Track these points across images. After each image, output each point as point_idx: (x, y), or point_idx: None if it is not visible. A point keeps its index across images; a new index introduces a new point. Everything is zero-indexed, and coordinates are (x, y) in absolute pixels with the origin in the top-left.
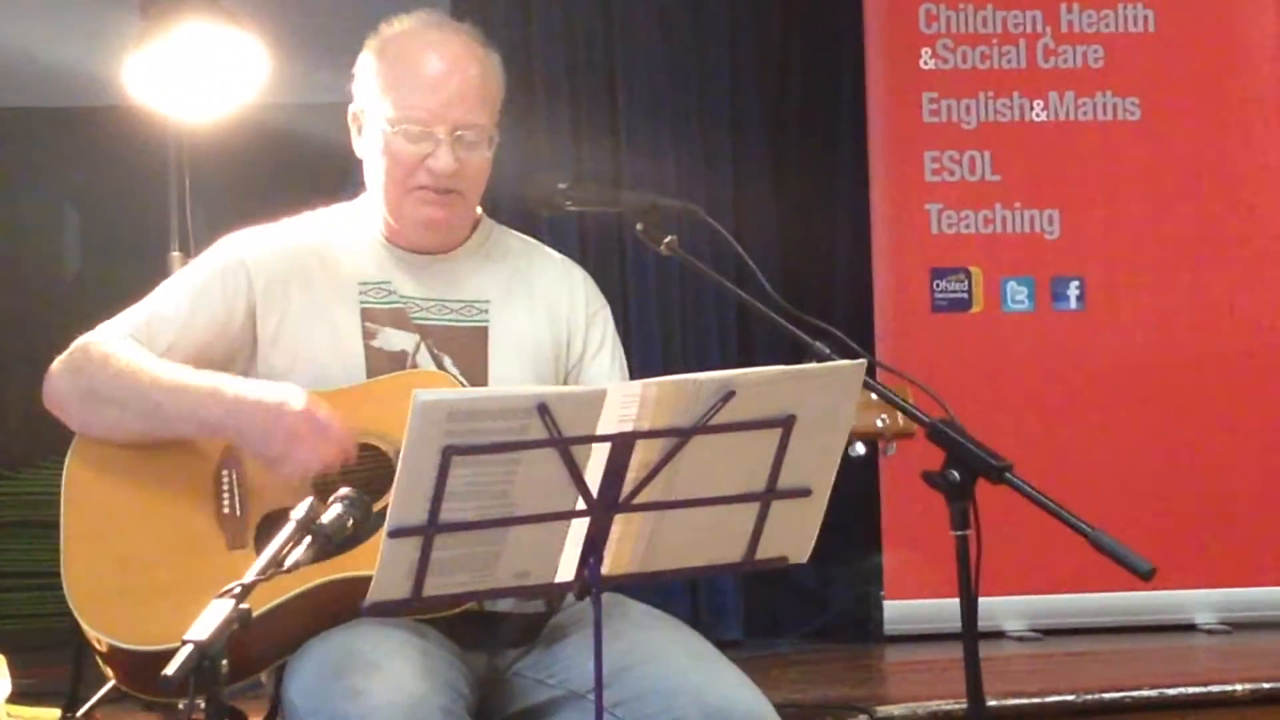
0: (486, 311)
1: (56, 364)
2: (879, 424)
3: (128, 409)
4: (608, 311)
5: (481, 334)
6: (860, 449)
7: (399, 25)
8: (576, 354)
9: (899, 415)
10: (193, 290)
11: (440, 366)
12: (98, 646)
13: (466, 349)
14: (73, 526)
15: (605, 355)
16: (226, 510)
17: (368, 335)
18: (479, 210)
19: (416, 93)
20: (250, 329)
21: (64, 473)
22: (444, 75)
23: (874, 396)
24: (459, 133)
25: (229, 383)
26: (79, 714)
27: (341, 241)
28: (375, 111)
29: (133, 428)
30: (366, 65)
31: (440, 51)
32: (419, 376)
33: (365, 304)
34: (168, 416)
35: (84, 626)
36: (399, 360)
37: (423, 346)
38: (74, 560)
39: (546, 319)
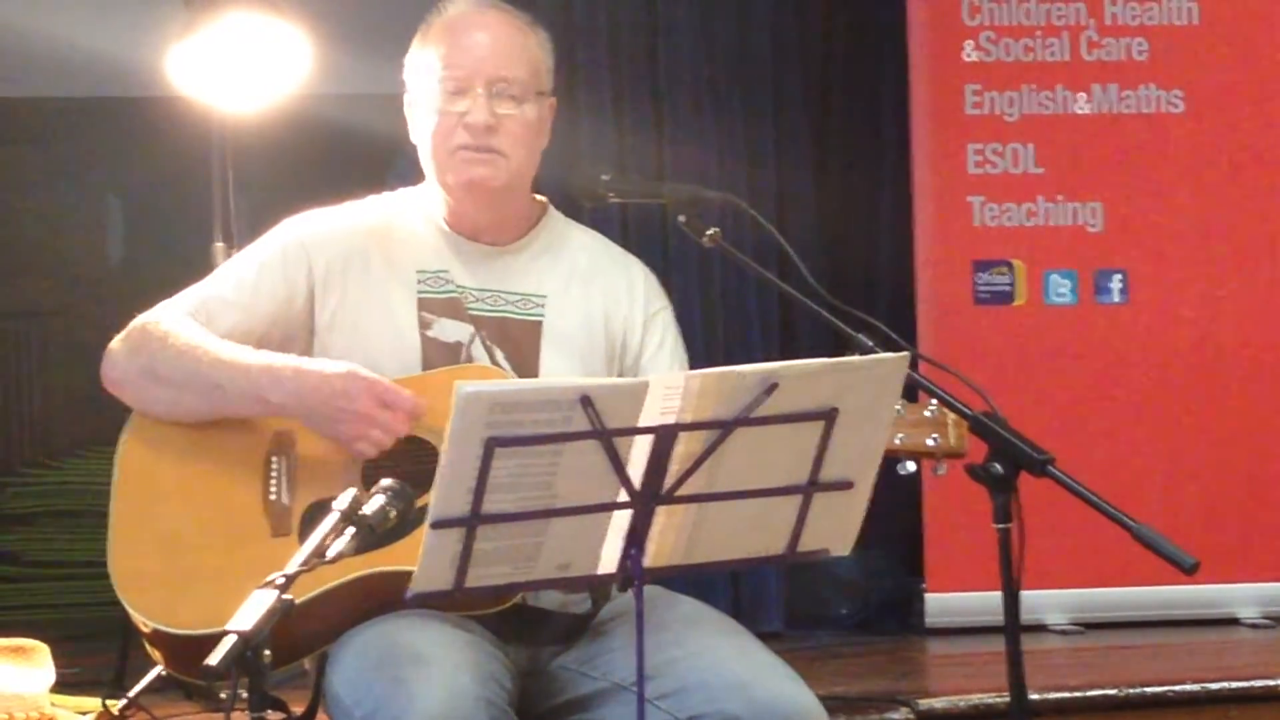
0: (543, 306)
1: (115, 343)
2: (930, 443)
3: (187, 389)
4: (669, 311)
5: (536, 328)
6: (910, 467)
7: (448, 9)
8: (634, 353)
9: (950, 435)
10: (254, 271)
11: (493, 359)
12: (142, 629)
13: (520, 343)
14: (122, 504)
15: (665, 355)
16: (273, 496)
17: (423, 325)
18: (544, 201)
19: (456, 55)
20: (309, 312)
21: (118, 449)
22: (481, 37)
23: (926, 414)
24: (496, 86)
25: (289, 361)
26: (122, 703)
27: (402, 228)
28: (423, 86)
29: (192, 407)
30: (415, 48)
31: (482, 22)
32: (473, 372)
33: (423, 293)
34: (228, 396)
35: (126, 608)
36: (453, 351)
37: (477, 338)
38: (120, 539)
39: (603, 316)
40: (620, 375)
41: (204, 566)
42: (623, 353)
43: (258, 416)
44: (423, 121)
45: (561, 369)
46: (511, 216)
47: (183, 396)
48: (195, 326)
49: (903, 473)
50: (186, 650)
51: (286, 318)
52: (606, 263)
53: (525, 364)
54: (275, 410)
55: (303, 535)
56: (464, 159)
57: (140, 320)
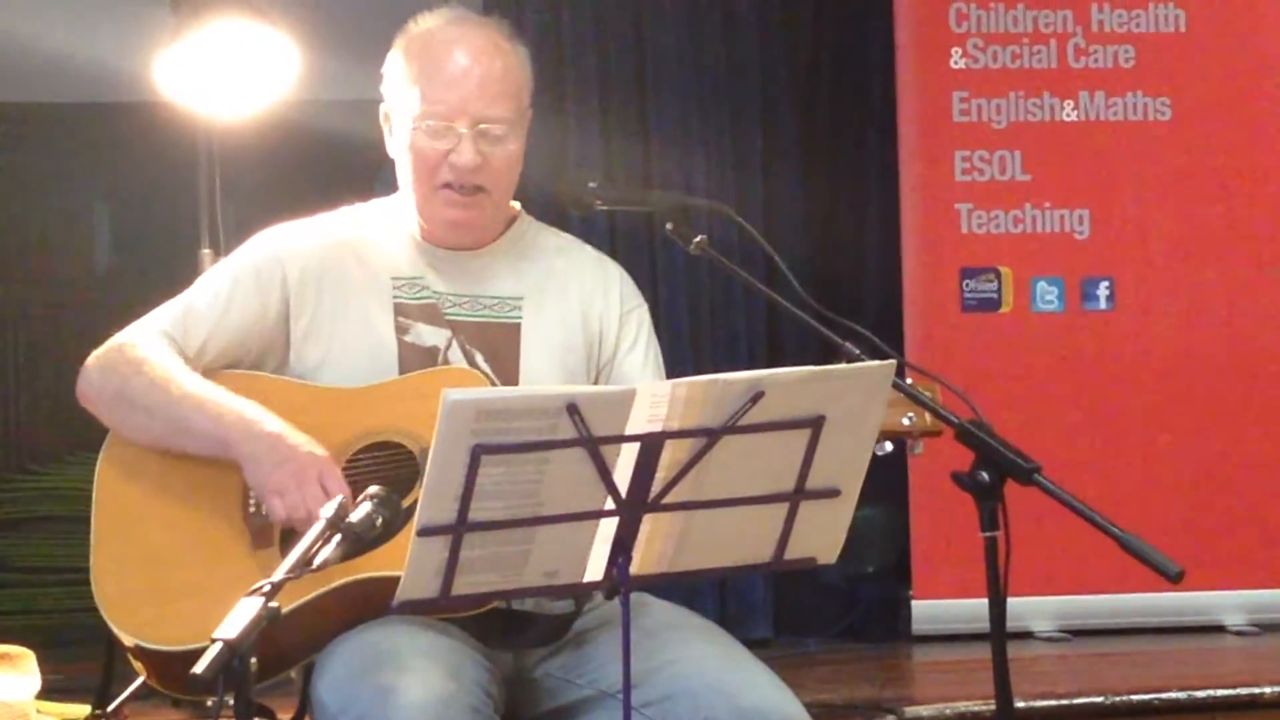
0: (519, 308)
1: (91, 360)
2: (905, 422)
3: (156, 417)
4: (644, 310)
5: (514, 331)
6: (887, 447)
7: (425, 22)
8: (609, 350)
9: (926, 413)
10: (228, 286)
11: (472, 363)
12: (126, 644)
13: (499, 346)
14: (102, 526)
15: (639, 351)
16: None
17: (400, 330)
18: (517, 206)
19: (438, 87)
20: (284, 324)
21: (96, 471)
22: (466, 69)
23: (902, 395)
24: (481, 126)
25: (259, 412)
26: (108, 710)
27: (375, 236)
28: (402, 109)
29: (159, 435)
30: (393, 63)
31: (463, 46)
32: (449, 374)
33: (398, 299)
34: (193, 433)
35: (111, 627)
36: (431, 356)
37: (454, 343)
38: (102, 560)
39: (580, 317)
40: (597, 373)
41: (187, 583)
42: (599, 351)
43: (216, 456)
44: (401, 142)
45: (542, 371)
46: (486, 228)
47: (150, 424)
48: (171, 353)
49: (880, 454)
50: (170, 666)
51: (260, 331)
52: (582, 262)
53: (505, 366)
54: (230, 454)
55: (284, 548)
56: (448, 199)
57: (117, 340)
